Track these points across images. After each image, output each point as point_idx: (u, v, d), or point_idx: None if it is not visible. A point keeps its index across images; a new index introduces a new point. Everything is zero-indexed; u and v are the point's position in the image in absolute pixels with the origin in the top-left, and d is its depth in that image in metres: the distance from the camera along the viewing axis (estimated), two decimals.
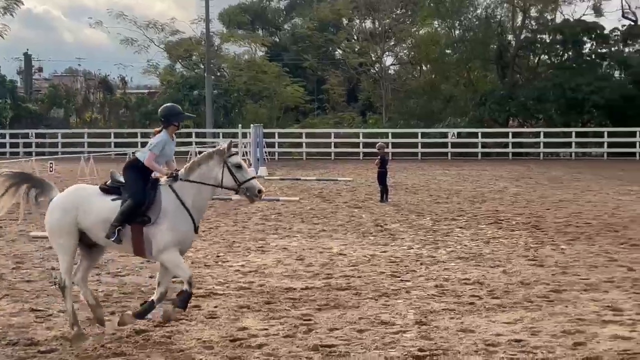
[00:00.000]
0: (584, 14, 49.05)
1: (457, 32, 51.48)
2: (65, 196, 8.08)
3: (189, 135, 45.51)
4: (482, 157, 40.86)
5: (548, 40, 48.04)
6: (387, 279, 10.81)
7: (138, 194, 7.90)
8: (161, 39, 52.61)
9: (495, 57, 48.09)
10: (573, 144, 41.34)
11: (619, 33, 47.18)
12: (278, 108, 49.76)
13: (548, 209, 18.91)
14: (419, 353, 7.44)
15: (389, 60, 55.11)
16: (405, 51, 55.19)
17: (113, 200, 7.94)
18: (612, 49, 47.41)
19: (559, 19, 49.23)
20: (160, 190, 8.01)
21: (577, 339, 7.82)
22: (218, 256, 12.71)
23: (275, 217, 17.88)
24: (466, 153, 41.44)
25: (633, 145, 39.54)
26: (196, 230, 8.09)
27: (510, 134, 42.43)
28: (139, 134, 44.29)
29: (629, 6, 49.26)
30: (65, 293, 7.97)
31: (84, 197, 8.00)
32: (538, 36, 48.54)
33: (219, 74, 52.90)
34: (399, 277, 11.06)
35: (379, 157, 21.52)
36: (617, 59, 46.64)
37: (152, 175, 8.18)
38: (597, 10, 48.67)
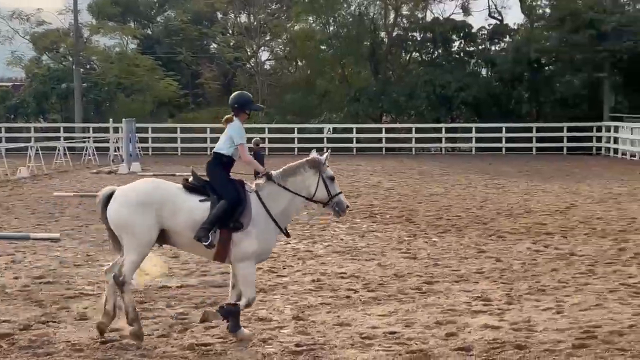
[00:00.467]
0: (453, 13, 50.63)
1: (331, 28, 52.03)
2: (143, 191, 7.58)
3: (56, 130, 43.93)
4: (357, 152, 41.49)
5: (419, 38, 49.29)
6: (264, 275, 10.77)
7: (234, 197, 7.54)
8: (27, 30, 50.54)
9: (368, 54, 48.89)
10: (443, 139, 42.60)
11: (485, 32, 48.96)
12: (151, 102, 48.73)
13: (420, 203, 19.40)
14: (296, 348, 7.44)
15: (264, 55, 55.10)
16: (280, 46, 55.27)
17: (201, 201, 7.56)
18: (480, 47, 49.14)
19: (429, 17, 50.63)
20: (249, 195, 7.66)
21: (450, 329, 8.04)
22: (88, 255, 12.28)
23: None
24: (341, 148, 41.87)
25: (499, 140, 41.16)
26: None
27: (383, 130, 43.29)
28: (2, 129, 42.33)
29: (495, 6, 51.26)
30: (125, 289, 7.50)
31: (169, 195, 7.55)
32: (410, 34, 49.68)
33: (88, 66, 51.28)
34: (276, 272, 11.06)
35: (253, 152, 21.29)
36: (484, 57, 48.39)
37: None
38: (465, 10, 50.31)
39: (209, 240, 7.43)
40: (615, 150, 38.00)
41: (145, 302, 9.12)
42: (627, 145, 35.98)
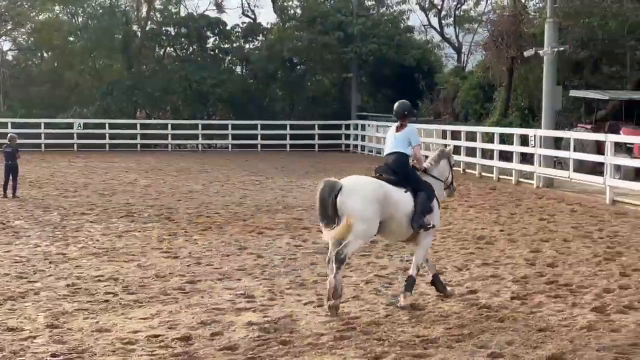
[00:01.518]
0: (207, 9, 50.70)
1: (80, 19, 49.91)
2: (374, 188, 8.71)
3: None
4: (111, 148, 40.15)
5: (173, 33, 48.75)
6: (12, 281, 10.02)
7: (429, 188, 9.23)
8: None
9: (120, 47, 47.47)
10: (200, 136, 42.48)
11: (240, 30, 49.52)
12: None
13: (179, 200, 19.15)
14: (52, 358, 6.99)
15: (6, 45, 51.51)
16: (24, 37, 51.99)
17: (405, 192, 8.95)
18: (234, 44, 49.61)
19: (183, 12, 50.24)
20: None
21: (215, 328, 7.95)
22: None
23: None
24: (93, 144, 40.37)
25: (255, 137, 41.79)
26: None
27: (138, 125, 42.28)
28: None
29: (248, 4, 52.05)
30: (342, 266, 8.52)
31: (388, 192, 8.77)
32: (164, 28, 48.99)
33: None
34: (26, 277, 10.32)
35: (10, 147, 19.64)
36: (238, 54, 48.91)
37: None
38: (219, 7, 50.54)
39: (430, 224, 9.01)
40: (363, 148, 40.11)
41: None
42: (374, 143, 38.08)
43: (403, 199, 8.86)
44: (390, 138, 9.51)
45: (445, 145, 9.24)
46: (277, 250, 12.51)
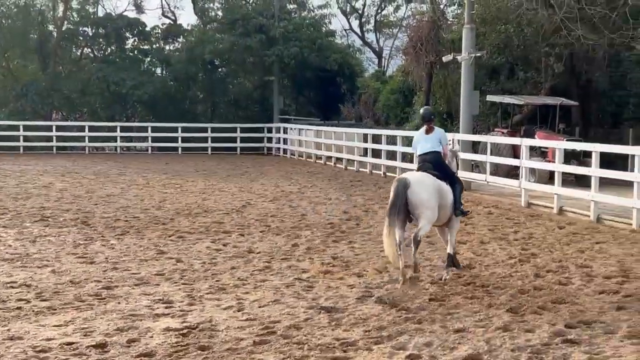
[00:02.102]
0: (126, 10, 49.88)
1: None
2: (433, 182, 10.64)
3: None
4: (25, 150, 39.02)
5: (91, 34, 47.77)
6: None
7: (460, 182, 11.46)
8: None
9: (36, 47, 46.22)
10: (118, 138, 41.73)
11: (159, 31, 48.86)
12: None
13: (96, 204, 18.75)
14: None
15: None
16: None
17: (447, 185, 10.90)
18: (154, 46, 48.92)
19: (101, 12, 49.31)
20: None
21: (131, 335, 7.80)
22: None
23: None
24: (7, 147, 39.18)
25: (175, 140, 41.29)
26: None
27: (54, 127, 41.25)
28: None
29: (168, 5, 51.44)
30: (418, 246, 10.56)
31: (440, 184, 10.77)
32: (81, 28, 47.96)
33: None
34: None
35: None
36: (158, 56, 48.25)
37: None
38: (138, 7, 49.78)
39: (468, 211, 12.00)
40: (285, 151, 40.11)
41: None
42: (295, 146, 38.16)
43: (448, 190, 10.85)
44: (422, 139, 11.40)
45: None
46: (197, 254, 12.37)
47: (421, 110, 11.91)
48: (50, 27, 47.64)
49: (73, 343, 7.53)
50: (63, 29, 46.96)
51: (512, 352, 7.27)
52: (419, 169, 11.16)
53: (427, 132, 11.34)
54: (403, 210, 10.32)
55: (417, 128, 30.73)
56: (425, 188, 10.45)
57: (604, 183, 17.39)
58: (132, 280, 10.39)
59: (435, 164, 11.04)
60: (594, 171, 16.54)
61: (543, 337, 7.77)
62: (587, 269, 11.27)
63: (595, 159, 16.45)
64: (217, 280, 10.40)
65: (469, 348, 7.36)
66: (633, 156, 15.86)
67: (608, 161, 19.86)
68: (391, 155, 27.29)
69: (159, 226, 15.34)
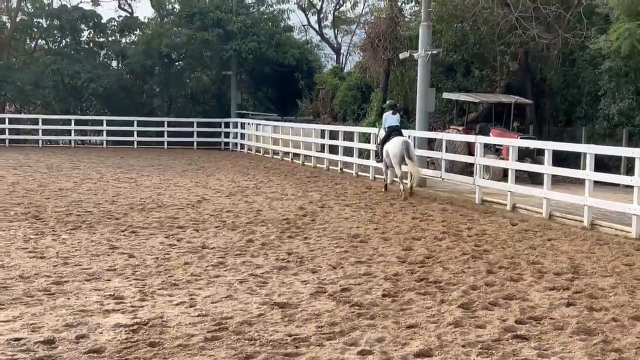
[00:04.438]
0: (81, 1, 49.20)
1: None
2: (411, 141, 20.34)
3: None
4: None
5: (45, 25, 47.02)
6: None
7: None
8: None
9: None
10: (72, 132, 41.17)
11: (115, 23, 48.26)
12: None
13: (48, 198, 18.45)
14: None
15: None
16: None
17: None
18: (110, 38, 48.33)
19: (56, 4, 48.55)
20: None
21: (80, 331, 7.67)
22: None
23: None
24: None
25: (131, 134, 40.89)
26: None
27: (7, 120, 40.52)
28: None
29: None
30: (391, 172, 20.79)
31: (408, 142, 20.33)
32: (35, 20, 47.16)
33: None
34: None
35: None
36: (114, 48, 47.68)
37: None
38: None
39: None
40: (242, 146, 39.98)
41: None
42: (253, 141, 38.04)
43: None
44: (390, 118, 21.11)
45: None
46: (150, 249, 12.24)
47: (388, 102, 23.46)
48: (4, 18, 46.76)
49: (20, 339, 7.38)
50: (17, 20, 46.11)
51: (462, 348, 7.32)
52: (393, 134, 20.51)
53: (393, 113, 21.17)
54: (404, 156, 19.63)
55: (373, 124, 31.03)
56: (412, 146, 20.34)
57: (557, 181, 17.62)
58: (82, 275, 10.22)
59: (400, 131, 20.82)
60: (547, 169, 16.75)
61: (494, 332, 7.83)
62: (538, 265, 11.41)
63: (548, 157, 16.65)
64: (169, 276, 10.29)
65: (420, 344, 7.39)
66: (585, 154, 16.12)
67: (560, 159, 20.15)
68: (348, 152, 27.37)
69: (112, 221, 15.15)
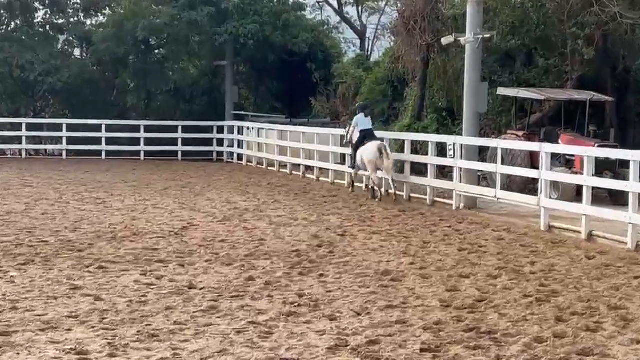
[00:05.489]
0: None
1: None
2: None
3: None
4: None
5: None
6: None
7: None
8: None
9: None
10: (24, 139, 41.37)
11: (79, 1, 48.51)
12: None
13: None
14: None
15: None
16: None
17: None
18: (71, 19, 48.47)
19: None
20: None
21: None
22: None
23: None
24: None
25: (98, 141, 40.82)
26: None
27: None
28: None
29: None
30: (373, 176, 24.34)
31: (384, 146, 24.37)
32: None
33: None
34: None
35: None
36: (77, 33, 47.87)
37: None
38: None
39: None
40: (240, 157, 39.98)
41: None
42: (253, 151, 37.99)
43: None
44: (363, 121, 25.00)
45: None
46: (122, 290, 12.28)
47: (361, 102, 27.55)
48: None
49: None
50: None
51: None
52: (368, 138, 24.51)
53: (365, 115, 25.33)
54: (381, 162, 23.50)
55: (408, 128, 31.01)
56: (388, 148, 24.29)
57: None
58: (36, 323, 10.28)
59: (374, 135, 24.90)
60: (633, 186, 16.65)
61: None
62: (622, 311, 11.35)
63: (634, 170, 16.55)
64: (147, 325, 10.32)
65: None
66: None
67: None
68: None
69: (74, 253, 15.23)
